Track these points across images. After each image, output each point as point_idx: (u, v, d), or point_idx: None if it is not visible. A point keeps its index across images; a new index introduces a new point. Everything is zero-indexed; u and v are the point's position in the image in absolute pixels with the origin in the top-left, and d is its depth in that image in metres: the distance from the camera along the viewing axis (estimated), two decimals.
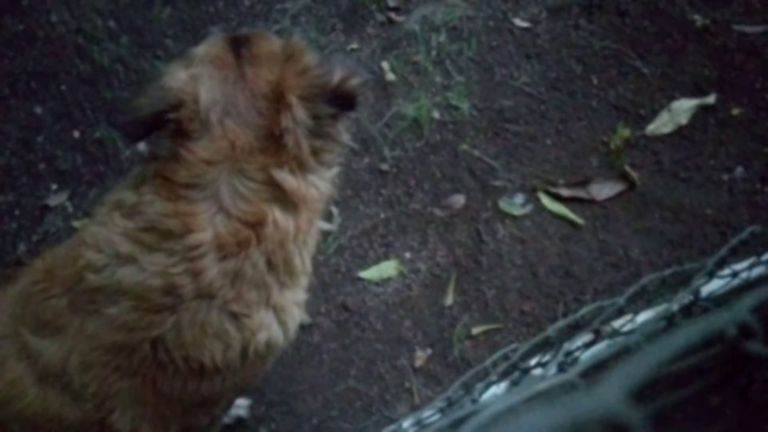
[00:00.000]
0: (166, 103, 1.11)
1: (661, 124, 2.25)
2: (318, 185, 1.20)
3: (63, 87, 2.48)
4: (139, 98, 1.14)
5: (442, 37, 2.47)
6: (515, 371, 1.00)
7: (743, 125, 2.23)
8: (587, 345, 0.99)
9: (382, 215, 2.17)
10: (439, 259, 2.10)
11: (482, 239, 2.11)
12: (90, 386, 1.18)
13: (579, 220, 2.11)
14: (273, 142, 1.13)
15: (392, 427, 1.71)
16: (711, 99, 2.26)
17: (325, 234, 2.11)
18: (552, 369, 0.90)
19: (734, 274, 0.99)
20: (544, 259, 2.07)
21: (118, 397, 1.19)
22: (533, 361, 1.02)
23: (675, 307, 0.80)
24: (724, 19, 2.41)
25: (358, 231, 2.15)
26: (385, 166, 2.24)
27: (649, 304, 1.25)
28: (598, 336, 0.93)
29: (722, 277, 0.94)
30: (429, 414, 1.29)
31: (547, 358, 1.00)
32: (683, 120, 2.24)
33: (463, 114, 2.31)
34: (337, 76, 1.17)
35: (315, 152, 1.18)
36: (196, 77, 1.14)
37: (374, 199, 2.20)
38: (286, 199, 1.14)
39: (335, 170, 1.27)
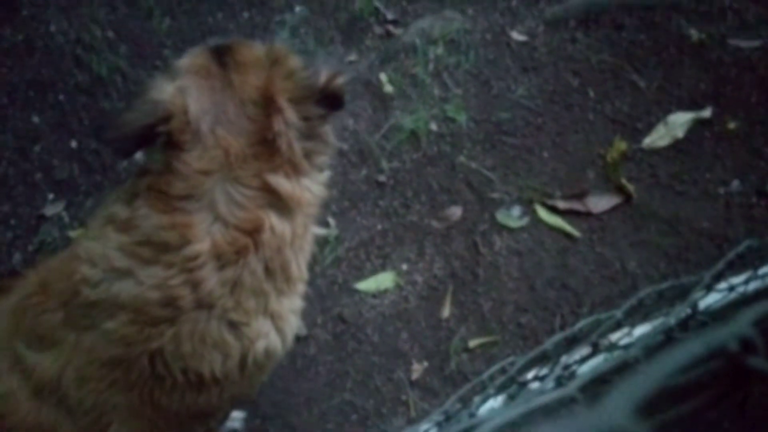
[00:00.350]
0: (155, 116, 1.10)
1: (658, 138, 2.26)
2: (312, 188, 1.20)
3: (61, 97, 2.48)
4: (127, 113, 1.14)
5: (440, 50, 2.49)
6: (513, 385, 0.99)
7: (739, 139, 2.24)
8: (585, 358, 0.99)
9: (379, 227, 2.17)
10: (436, 271, 2.09)
11: (479, 251, 2.11)
12: (86, 401, 1.17)
13: (576, 233, 2.12)
14: (266, 147, 1.13)
15: None
16: (707, 113, 2.27)
17: (322, 245, 2.10)
18: (550, 382, 0.89)
19: (731, 288, 0.99)
20: (541, 272, 2.07)
21: (114, 412, 1.18)
22: (531, 375, 1.02)
23: (672, 320, 0.80)
24: (720, 34, 2.43)
25: (355, 242, 2.15)
26: (382, 178, 2.25)
27: (646, 318, 1.24)
28: (595, 349, 0.93)
29: (719, 290, 0.94)
30: (426, 427, 1.28)
31: (544, 371, 1.00)
32: (679, 133, 2.25)
33: (461, 126, 2.32)
34: (323, 77, 1.18)
35: (307, 155, 1.18)
36: (183, 89, 1.13)
37: (371, 210, 2.20)
38: (281, 204, 1.14)
39: (327, 173, 1.27)
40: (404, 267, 2.10)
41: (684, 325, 0.84)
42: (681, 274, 1.98)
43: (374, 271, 2.10)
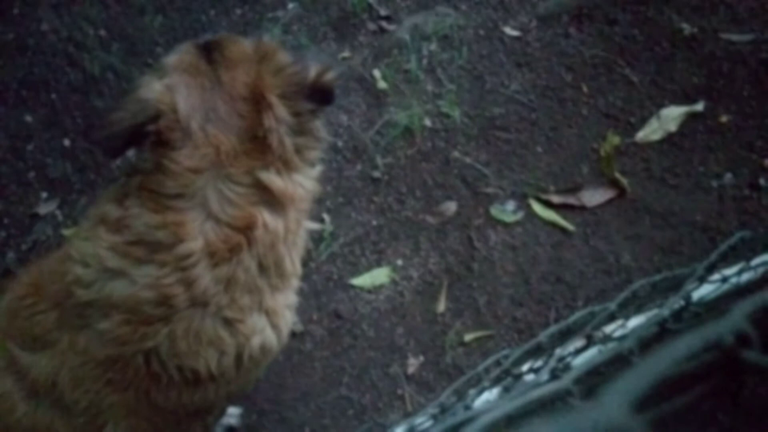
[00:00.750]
0: (144, 115, 1.10)
1: (651, 132, 2.27)
2: (304, 184, 1.20)
3: (53, 95, 2.47)
4: (116, 112, 1.13)
5: (433, 46, 2.49)
6: (507, 377, 1.00)
7: (732, 132, 2.25)
8: (579, 350, 0.99)
9: (374, 222, 2.17)
10: (431, 266, 2.10)
11: (474, 246, 2.11)
12: (81, 401, 1.17)
13: (570, 227, 2.12)
14: (257, 143, 1.12)
15: None
16: (699, 106, 2.29)
17: (317, 241, 2.11)
18: (544, 375, 0.90)
19: (724, 279, 1.00)
20: (536, 266, 2.08)
21: (110, 411, 1.18)
22: (525, 367, 1.02)
23: (666, 312, 0.81)
24: (712, 28, 2.44)
25: (350, 238, 2.15)
26: (376, 174, 2.25)
27: (640, 310, 1.25)
28: (589, 341, 0.93)
29: (712, 282, 0.95)
30: (421, 421, 1.29)
31: (539, 363, 1.00)
32: (672, 127, 2.26)
33: (455, 122, 2.32)
34: (313, 72, 1.17)
35: (298, 150, 1.18)
36: (172, 87, 1.13)
37: (366, 206, 2.21)
38: (274, 201, 1.14)
39: (319, 168, 1.27)
40: (399, 262, 2.11)
41: (678, 316, 0.85)
42: (675, 267, 1.99)
43: (369, 267, 2.10)
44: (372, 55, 2.49)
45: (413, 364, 1.96)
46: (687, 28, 2.44)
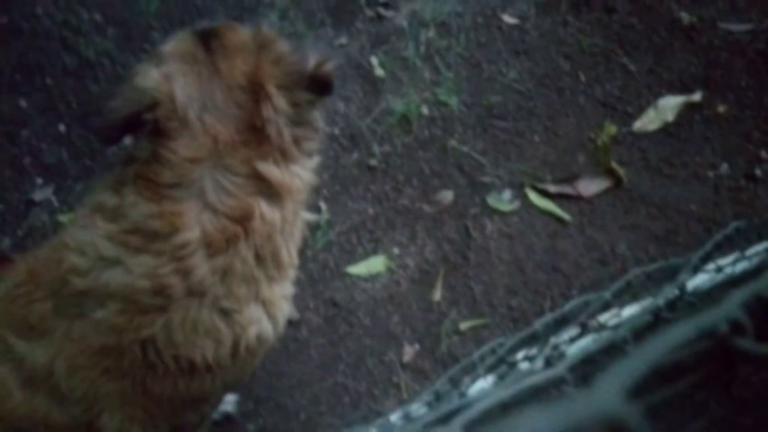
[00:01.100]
0: (141, 104, 1.09)
1: (648, 121, 2.27)
2: (301, 175, 1.19)
3: (48, 80, 2.45)
4: (113, 100, 1.12)
5: (431, 33, 2.47)
6: (502, 365, 1.00)
7: (728, 122, 2.25)
8: (574, 339, 1.00)
9: (371, 211, 2.17)
10: (428, 254, 2.10)
11: (470, 235, 2.12)
12: (78, 389, 1.17)
13: (566, 216, 2.13)
14: (255, 134, 1.12)
15: (380, 420, 1.71)
16: (697, 96, 2.28)
17: (314, 229, 2.11)
18: (539, 363, 0.91)
19: (719, 269, 1.00)
20: (532, 255, 2.08)
21: (106, 400, 1.18)
22: (520, 355, 1.03)
23: (661, 301, 0.81)
24: (710, 17, 2.43)
25: (346, 226, 2.15)
26: (373, 162, 2.24)
27: (635, 299, 1.26)
28: (584, 330, 0.94)
29: (707, 271, 0.95)
30: (416, 408, 1.30)
31: (533, 352, 1.01)
32: (669, 117, 2.26)
33: (452, 110, 2.32)
34: (312, 62, 1.16)
35: (296, 141, 1.17)
36: (169, 75, 1.11)
37: (363, 194, 2.20)
38: (271, 192, 1.13)
39: (316, 159, 1.26)
40: (396, 251, 2.11)
41: (672, 305, 0.85)
42: (670, 256, 2.00)
43: (366, 255, 2.10)
44: (369, 41, 2.47)
45: (409, 352, 1.97)
46: (685, 18, 2.43)
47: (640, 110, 2.29)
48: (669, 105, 2.28)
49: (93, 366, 1.16)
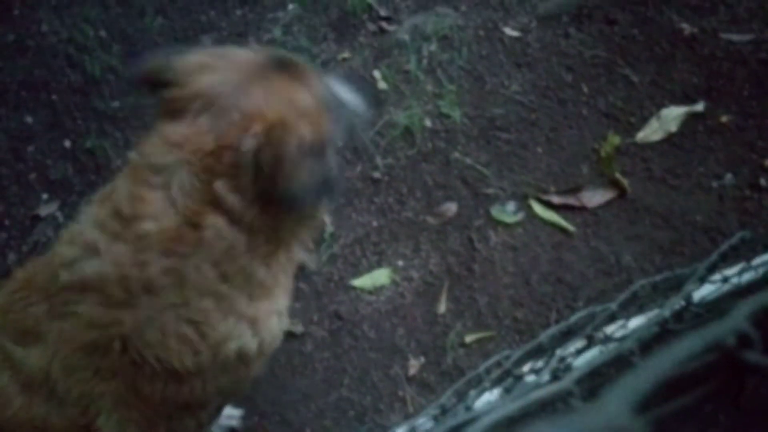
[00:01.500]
0: (160, 72, 1.11)
1: (651, 132, 2.27)
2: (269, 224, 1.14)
3: (54, 96, 2.47)
4: (157, 60, 1.15)
5: (433, 46, 2.49)
6: (508, 378, 1.00)
7: (732, 132, 2.25)
8: (580, 351, 0.99)
9: (375, 223, 2.17)
10: (432, 267, 2.10)
11: (474, 247, 2.11)
12: (73, 390, 1.16)
13: (570, 228, 2.12)
14: (226, 156, 1.08)
15: None
16: (700, 106, 2.28)
17: (318, 242, 2.11)
18: (545, 375, 0.90)
19: (725, 280, 1.00)
20: (537, 267, 2.08)
21: (101, 401, 1.17)
22: (526, 368, 1.02)
23: (667, 312, 0.81)
24: (712, 28, 2.44)
25: (350, 239, 2.15)
26: (377, 174, 2.25)
27: (641, 310, 1.25)
28: (590, 342, 0.93)
29: (713, 282, 0.95)
30: (422, 422, 1.29)
31: (540, 364, 1.00)
32: (673, 127, 2.26)
33: (455, 122, 2.32)
34: (287, 183, 1.07)
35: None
36: (206, 66, 1.12)
37: (366, 207, 2.21)
38: (233, 216, 1.09)
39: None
40: (400, 263, 2.11)
41: (678, 316, 0.84)
42: (675, 267, 1.98)
43: (370, 268, 2.10)
44: (372, 55, 2.49)
45: (414, 365, 1.96)
46: (687, 28, 2.44)
47: (643, 121, 2.29)
48: (672, 115, 2.28)
49: (85, 366, 1.15)
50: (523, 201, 2.18)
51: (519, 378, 1.01)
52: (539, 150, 2.28)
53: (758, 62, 2.35)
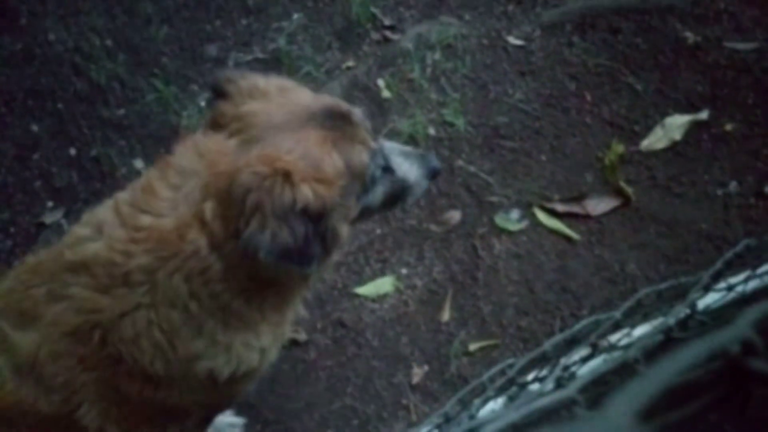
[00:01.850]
0: (218, 85, 1.18)
1: (655, 140, 2.26)
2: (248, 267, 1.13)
3: (60, 105, 2.48)
4: (229, 72, 1.23)
5: (437, 55, 2.50)
6: (512, 386, 0.99)
7: (736, 140, 2.24)
8: (584, 359, 0.99)
9: (379, 231, 2.17)
10: (436, 274, 2.09)
11: (478, 255, 2.11)
12: (58, 377, 1.17)
13: (575, 236, 2.12)
14: (224, 181, 1.10)
15: None
16: (704, 115, 2.28)
17: None
18: (549, 384, 0.90)
19: (730, 288, 0.99)
20: (541, 275, 2.07)
21: (84, 391, 1.18)
22: (530, 376, 1.02)
23: (672, 320, 0.80)
24: (716, 37, 2.44)
25: (354, 247, 2.15)
26: None
27: (645, 318, 1.24)
28: (595, 350, 0.93)
29: (718, 290, 0.94)
30: (426, 430, 1.28)
31: (544, 373, 1.00)
32: (677, 135, 2.26)
33: (459, 130, 2.33)
34: (252, 231, 1.06)
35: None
36: (265, 96, 1.16)
37: None
38: (214, 240, 1.09)
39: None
40: (404, 271, 2.10)
41: (683, 325, 0.84)
42: (680, 275, 1.98)
43: (374, 276, 2.10)
44: (376, 64, 2.50)
45: (418, 373, 1.95)
46: (690, 37, 2.44)
47: (647, 129, 2.29)
48: (676, 124, 2.28)
49: (70, 353, 1.16)
50: (527, 209, 2.18)
51: (523, 386, 1.01)
52: (543, 158, 2.28)
53: (762, 71, 2.35)
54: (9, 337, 1.19)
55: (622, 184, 2.17)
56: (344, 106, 1.23)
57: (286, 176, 1.05)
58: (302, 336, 2.00)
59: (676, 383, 0.35)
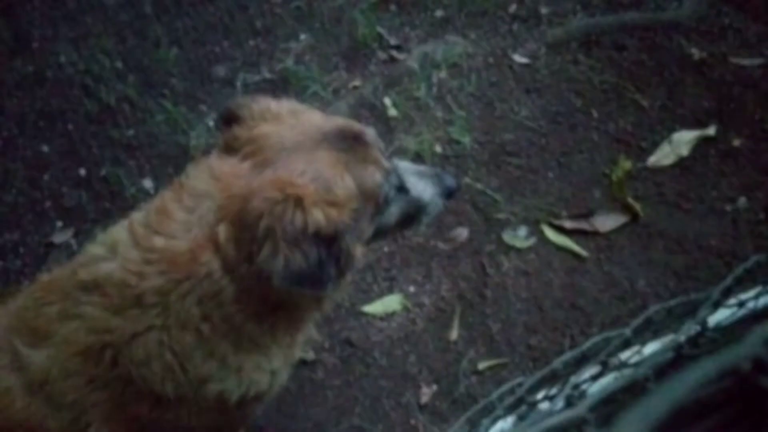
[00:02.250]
0: (230, 111, 1.20)
1: (663, 156, 2.26)
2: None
3: (70, 126, 2.51)
4: (237, 99, 1.25)
5: (443, 74, 2.51)
6: (522, 405, 0.98)
7: (744, 156, 2.24)
8: (594, 377, 0.98)
9: (386, 249, 2.17)
10: (444, 292, 2.08)
11: (486, 272, 2.10)
12: (69, 395, 1.17)
13: (583, 252, 2.11)
14: (237, 204, 1.10)
15: None
16: (711, 130, 2.28)
17: None
18: (559, 402, 0.89)
19: (741, 304, 0.98)
20: (550, 292, 2.06)
21: (93, 411, 1.18)
22: (540, 395, 1.01)
23: (682, 337, 0.79)
24: (721, 52, 2.44)
25: (361, 265, 2.14)
26: None
27: (656, 335, 1.23)
28: (605, 368, 0.92)
29: (729, 306, 0.93)
30: None
31: (554, 391, 0.99)
32: (684, 151, 2.25)
33: (465, 148, 2.33)
34: (266, 257, 1.06)
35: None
36: (276, 119, 1.17)
37: None
38: (227, 263, 1.09)
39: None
40: (411, 289, 2.10)
41: (694, 342, 0.83)
42: (690, 292, 1.96)
43: (381, 294, 2.09)
44: (383, 83, 2.52)
45: (426, 393, 1.93)
46: (696, 53, 2.45)
47: (654, 145, 2.29)
48: (683, 139, 2.27)
49: (81, 372, 1.16)
50: (534, 226, 2.17)
51: (533, 405, 1.00)
52: (550, 175, 2.28)
53: None
54: (21, 354, 1.19)
55: (630, 200, 2.16)
56: (357, 126, 1.23)
57: (298, 201, 1.05)
58: (310, 355, 1.99)
59: (686, 401, 0.35)
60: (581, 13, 2.64)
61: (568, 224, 2.16)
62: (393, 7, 2.74)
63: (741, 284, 0.85)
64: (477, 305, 2.06)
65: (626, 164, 2.21)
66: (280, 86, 2.55)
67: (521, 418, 1.02)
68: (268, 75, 2.60)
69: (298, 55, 2.62)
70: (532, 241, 2.14)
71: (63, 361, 1.16)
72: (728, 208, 2.15)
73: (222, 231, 1.08)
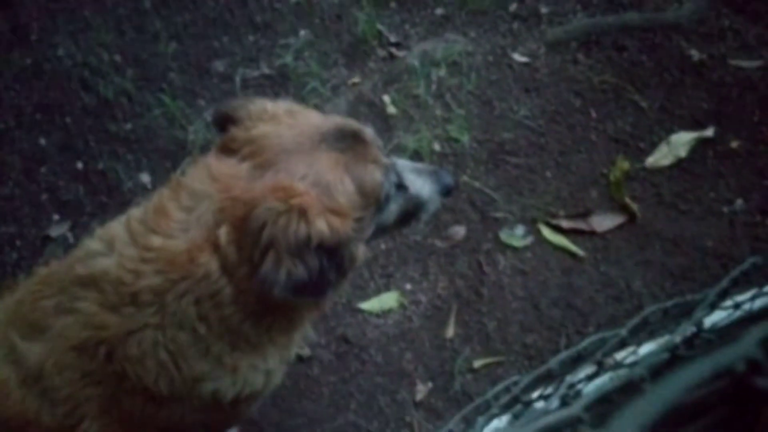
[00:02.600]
0: (227, 112, 1.19)
1: (661, 157, 2.26)
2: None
3: (68, 119, 2.51)
4: (231, 101, 1.25)
5: (442, 72, 2.51)
6: (517, 404, 0.99)
7: (742, 158, 2.24)
8: (590, 377, 0.98)
9: (383, 246, 2.17)
10: (440, 290, 2.09)
11: (483, 271, 2.10)
12: (63, 389, 1.17)
13: (580, 252, 2.11)
14: (240, 207, 1.10)
15: None
16: (709, 132, 2.28)
17: None
18: (554, 401, 0.89)
19: (736, 306, 0.98)
20: (546, 291, 2.06)
21: (87, 405, 1.18)
22: (535, 394, 1.01)
23: (678, 338, 0.80)
24: (721, 54, 2.45)
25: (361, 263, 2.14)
26: None
27: (651, 336, 1.23)
28: (600, 368, 0.92)
29: (724, 308, 0.93)
30: None
31: (549, 390, 0.99)
32: (682, 153, 2.26)
33: (464, 146, 2.33)
34: (268, 267, 1.06)
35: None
36: (274, 119, 1.16)
37: None
38: (226, 265, 1.09)
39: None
40: (408, 287, 2.10)
41: (689, 343, 0.83)
42: (686, 293, 1.97)
43: (378, 291, 2.09)
44: (382, 80, 2.51)
45: (421, 390, 1.94)
46: (695, 54, 2.45)
47: (653, 146, 2.29)
48: (681, 141, 2.28)
49: (75, 367, 1.16)
50: (532, 225, 2.17)
51: (528, 404, 1.00)
52: (548, 174, 2.28)
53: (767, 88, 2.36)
54: (17, 347, 1.19)
55: (628, 200, 2.17)
56: (355, 125, 1.23)
57: (302, 212, 1.05)
58: (306, 351, 1.99)
59: (682, 401, 0.35)
60: (581, 13, 2.64)
61: (565, 224, 2.16)
62: (393, 5, 2.73)
63: (737, 286, 0.85)
64: (473, 303, 2.06)
65: (624, 164, 2.21)
66: (279, 82, 2.55)
67: (516, 417, 1.02)
68: (267, 71, 2.60)
69: (297, 51, 2.62)
70: (529, 240, 2.15)
71: (58, 355, 1.16)
72: (725, 209, 2.16)
73: (223, 234, 1.08)
